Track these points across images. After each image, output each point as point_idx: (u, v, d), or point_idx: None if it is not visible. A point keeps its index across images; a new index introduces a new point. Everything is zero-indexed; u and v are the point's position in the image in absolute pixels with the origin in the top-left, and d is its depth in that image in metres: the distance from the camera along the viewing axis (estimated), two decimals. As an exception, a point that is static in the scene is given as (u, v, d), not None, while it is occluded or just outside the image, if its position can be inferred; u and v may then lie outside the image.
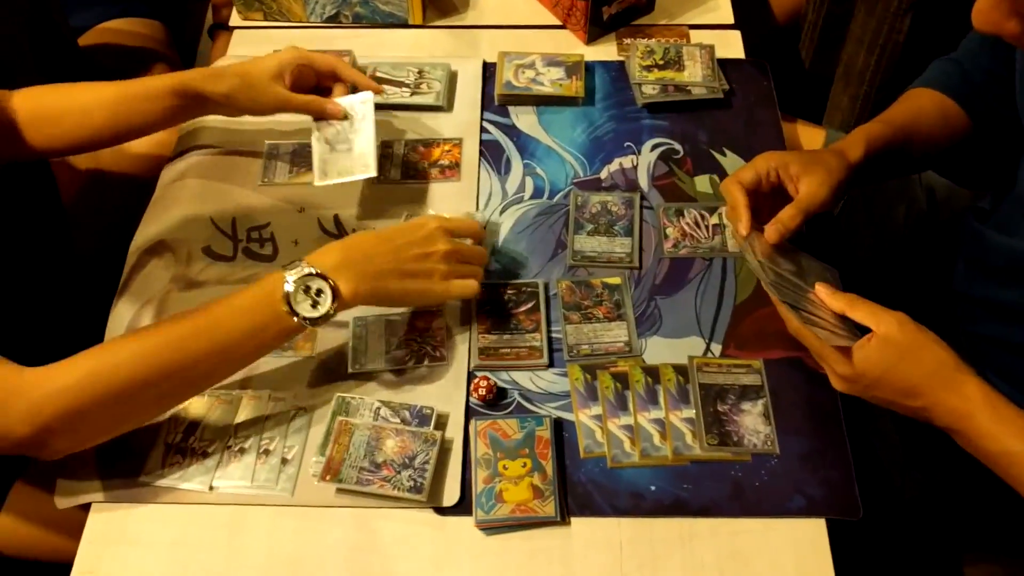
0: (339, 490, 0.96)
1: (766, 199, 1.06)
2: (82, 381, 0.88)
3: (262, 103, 1.17)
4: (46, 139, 1.09)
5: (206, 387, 0.98)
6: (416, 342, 1.07)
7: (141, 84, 1.13)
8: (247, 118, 1.21)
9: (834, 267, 1.04)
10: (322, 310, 0.95)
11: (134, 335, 0.97)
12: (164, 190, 1.24)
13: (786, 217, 1.02)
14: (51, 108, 1.09)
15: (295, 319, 0.94)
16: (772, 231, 1.02)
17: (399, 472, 0.96)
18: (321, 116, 1.20)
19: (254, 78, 1.16)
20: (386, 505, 0.96)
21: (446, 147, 1.28)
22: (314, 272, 0.95)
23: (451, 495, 0.97)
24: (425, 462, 0.96)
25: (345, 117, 1.20)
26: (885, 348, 0.88)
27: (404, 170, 1.25)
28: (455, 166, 1.25)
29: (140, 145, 1.35)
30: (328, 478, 0.96)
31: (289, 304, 0.94)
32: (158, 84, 1.13)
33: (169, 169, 1.27)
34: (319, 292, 0.95)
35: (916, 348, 0.89)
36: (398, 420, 1.01)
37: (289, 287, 0.93)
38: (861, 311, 0.91)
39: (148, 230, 1.19)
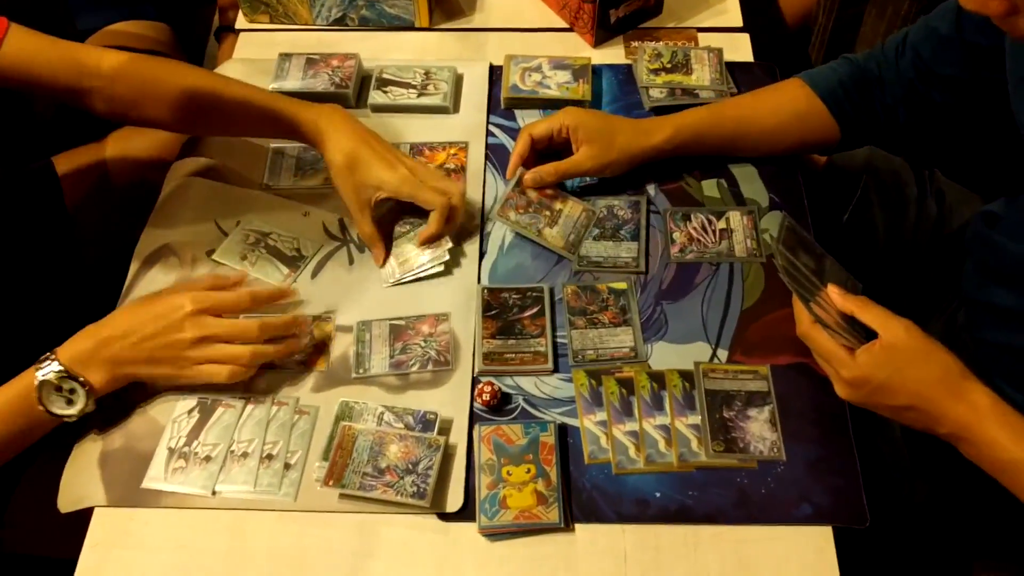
0: (342, 495, 0.96)
1: (561, 148, 1.19)
2: None
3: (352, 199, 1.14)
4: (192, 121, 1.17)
5: None
6: (420, 347, 1.07)
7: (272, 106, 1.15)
8: None
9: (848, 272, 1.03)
10: (78, 406, 0.97)
11: None
12: (169, 194, 1.24)
13: (545, 172, 1.17)
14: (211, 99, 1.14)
15: (53, 416, 0.96)
16: (530, 177, 1.17)
17: (402, 477, 0.95)
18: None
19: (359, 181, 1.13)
20: (389, 511, 0.96)
21: (452, 151, 1.27)
22: (64, 372, 0.96)
23: (454, 501, 0.96)
24: (428, 467, 0.96)
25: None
26: (891, 352, 0.88)
27: (410, 173, 1.24)
28: (460, 169, 1.25)
29: (144, 149, 1.35)
30: (331, 483, 0.95)
31: (43, 404, 0.96)
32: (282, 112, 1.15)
33: (174, 173, 1.26)
34: (72, 391, 0.97)
35: (922, 354, 0.88)
36: (402, 425, 1.00)
37: (39, 390, 0.95)
38: (870, 314, 0.90)
39: (153, 234, 1.19)
